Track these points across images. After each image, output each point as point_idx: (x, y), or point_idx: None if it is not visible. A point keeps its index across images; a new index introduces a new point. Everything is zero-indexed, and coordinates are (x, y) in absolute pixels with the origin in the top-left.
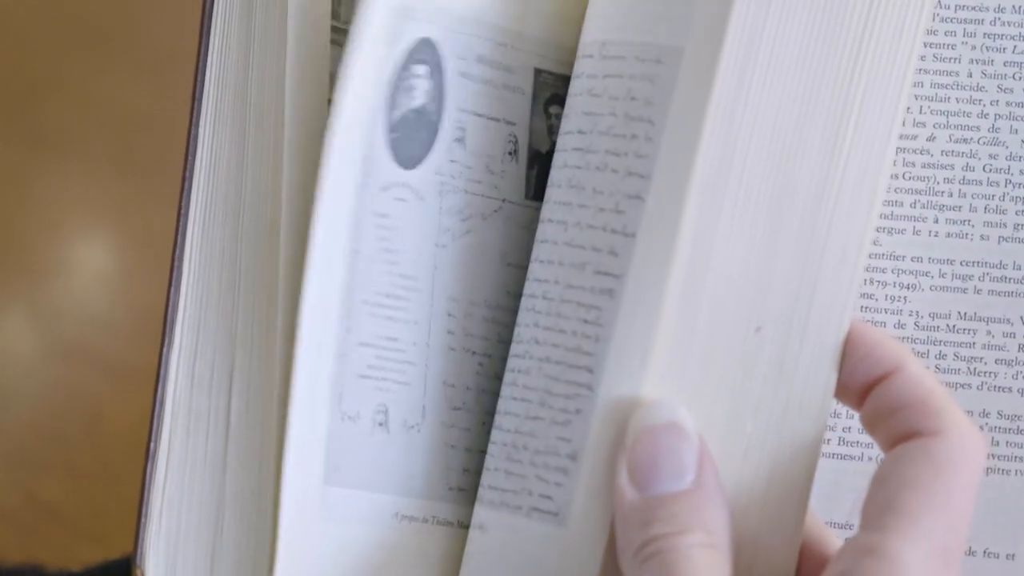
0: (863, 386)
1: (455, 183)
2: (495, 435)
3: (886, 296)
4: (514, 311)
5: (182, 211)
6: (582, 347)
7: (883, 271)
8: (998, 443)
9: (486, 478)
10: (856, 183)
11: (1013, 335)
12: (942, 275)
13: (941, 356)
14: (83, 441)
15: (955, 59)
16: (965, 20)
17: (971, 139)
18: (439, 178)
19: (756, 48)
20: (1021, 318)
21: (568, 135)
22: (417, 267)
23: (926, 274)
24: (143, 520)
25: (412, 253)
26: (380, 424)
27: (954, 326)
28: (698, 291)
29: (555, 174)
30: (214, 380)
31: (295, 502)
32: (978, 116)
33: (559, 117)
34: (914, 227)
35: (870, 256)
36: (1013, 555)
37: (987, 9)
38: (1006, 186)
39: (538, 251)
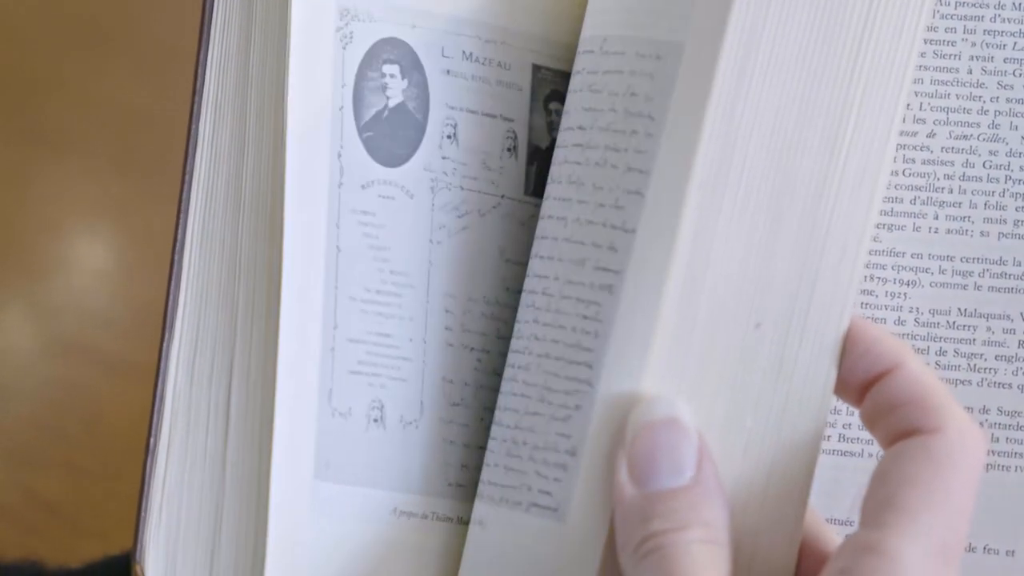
0: (863, 383)
1: (448, 180)
2: (494, 431)
3: (886, 292)
4: (513, 307)
5: (182, 207)
6: (582, 343)
7: (883, 267)
8: (998, 439)
9: (485, 474)
10: (856, 180)
11: (1013, 331)
12: (942, 271)
13: (941, 352)
14: (83, 438)
15: (955, 55)
16: (965, 17)
17: (971, 135)
18: (429, 175)
19: (756, 44)
20: (1021, 314)
21: (568, 131)
22: (410, 264)
23: (926, 270)
24: (143, 515)
25: (404, 250)
26: (375, 420)
27: (954, 322)
28: (698, 287)
29: (555, 170)
30: (214, 376)
31: (284, 498)
32: (978, 112)
33: (559, 113)
34: (914, 223)
35: (870, 252)
36: (1013, 551)
37: (987, 6)
38: (1006, 182)
39: (538, 247)
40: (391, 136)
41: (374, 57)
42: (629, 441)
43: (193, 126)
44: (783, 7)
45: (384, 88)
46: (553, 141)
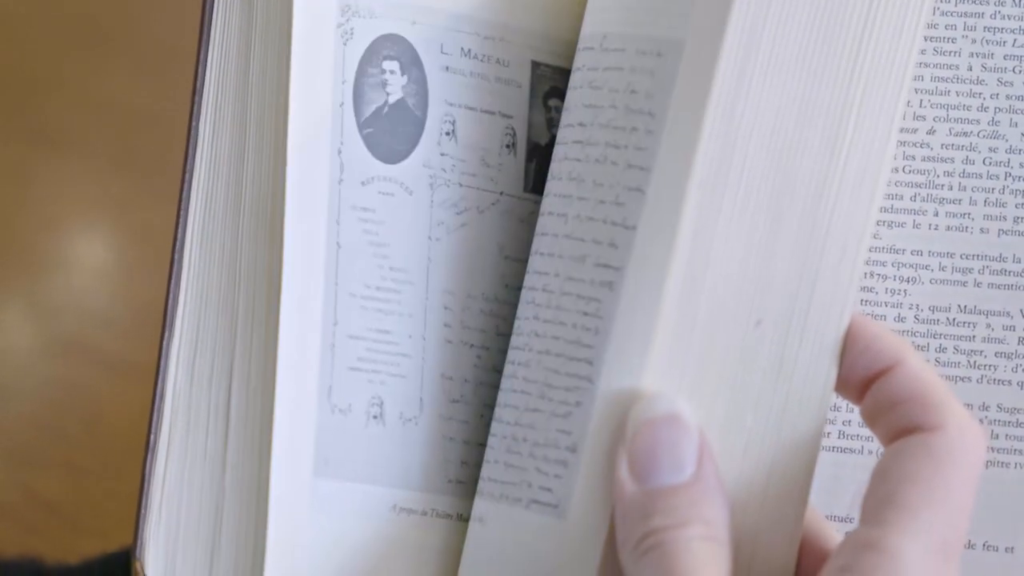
0: (863, 380)
1: (447, 176)
2: (495, 427)
3: (886, 289)
4: (512, 304)
5: (182, 204)
6: (582, 339)
7: (883, 264)
8: (997, 436)
9: (485, 470)
10: (856, 180)
11: (1013, 328)
12: (942, 268)
13: (941, 349)
14: (83, 437)
15: (955, 52)
16: (965, 14)
17: (971, 132)
18: (428, 171)
19: (757, 42)
20: (1021, 311)
21: (568, 128)
22: (409, 260)
23: (926, 267)
24: (143, 513)
25: (403, 246)
26: (375, 417)
27: (954, 319)
28: (698, 284)
29: (555, 167)
30: (214, 373)
31: (283, 495)
32: (978, 109)
33: (558, 110)
34: (914, 220)
35: (870, 249)
36: (1012, 548)
37: (987, 3)
38: (1006, 179)
39: (538, 244)
40: (391, 132)
41: (374, 53)
42: (630, 437)
43: (193, 123)
44: (784, 5)
45: (384, 84)
46: (552, 138)
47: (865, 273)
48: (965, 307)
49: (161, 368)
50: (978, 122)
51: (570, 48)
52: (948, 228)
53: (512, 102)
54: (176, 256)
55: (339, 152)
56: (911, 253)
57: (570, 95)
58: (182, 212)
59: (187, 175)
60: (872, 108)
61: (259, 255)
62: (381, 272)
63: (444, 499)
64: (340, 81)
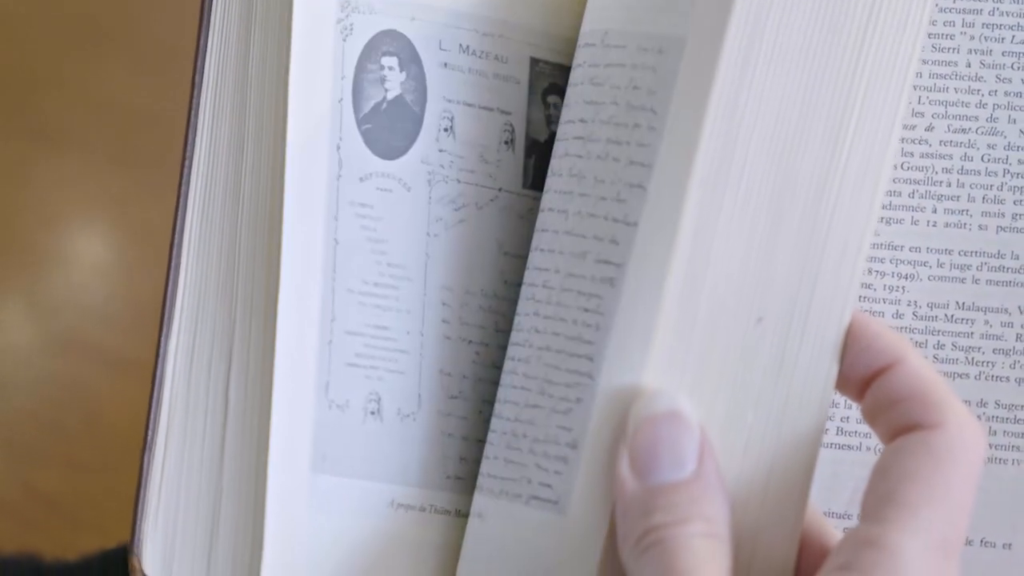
0: (863, 378)
1: (445, 172)
2: (494, 423)
3: (884, 286)
4: (512, 300)
5: (181, 199)
6: (583, 336)
7: (881, 261)
8: (995, 433)
9: (485, 466)
10: (858, 177)
11: (1011, 325)
12: (940, 265)
13: (939, 346)
14: (82, 434)
15: (954, 49)
16: (964, 10)
17: (969, 129)
18: (426, 167)
19: (759, 40)
20: (1019, 308)
21: (569, 124)
22: (407, 256)
23: (924, 264)
24: (140, 508)
25: (401, 242)
26: (372, 413)
27: (952, 316)
28: (699, 281)
29: (556, 163)
30: (212, 370)
31: (281, 490)
32: (976, 106)
33: (557, 107)
34: (912, 217)
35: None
36: (1010, 544)
37: None
38: (1004, 176)
39: (538, 240)
40: (389, 128)
41: (373, 49)
42: (630, 434)
43: (192, 118)
44: (786, 3)
45: (383, 80)
46: (551, 135)
47: (863, 270)
48: (963, 304)
49: (159, 365)
50: (976, 119)
51: (569, 45)
52: (946, 225)
53: (511, 98)
54: (174, 253)
55: (338, 148)
56: (909, 250)
57: (571, 92)
58: (180, 209)
59: (186, 171)
60: (874, 107)
61: (257, 251)
62: (379, 268)
63: (443, 495)
64: (339, 77)
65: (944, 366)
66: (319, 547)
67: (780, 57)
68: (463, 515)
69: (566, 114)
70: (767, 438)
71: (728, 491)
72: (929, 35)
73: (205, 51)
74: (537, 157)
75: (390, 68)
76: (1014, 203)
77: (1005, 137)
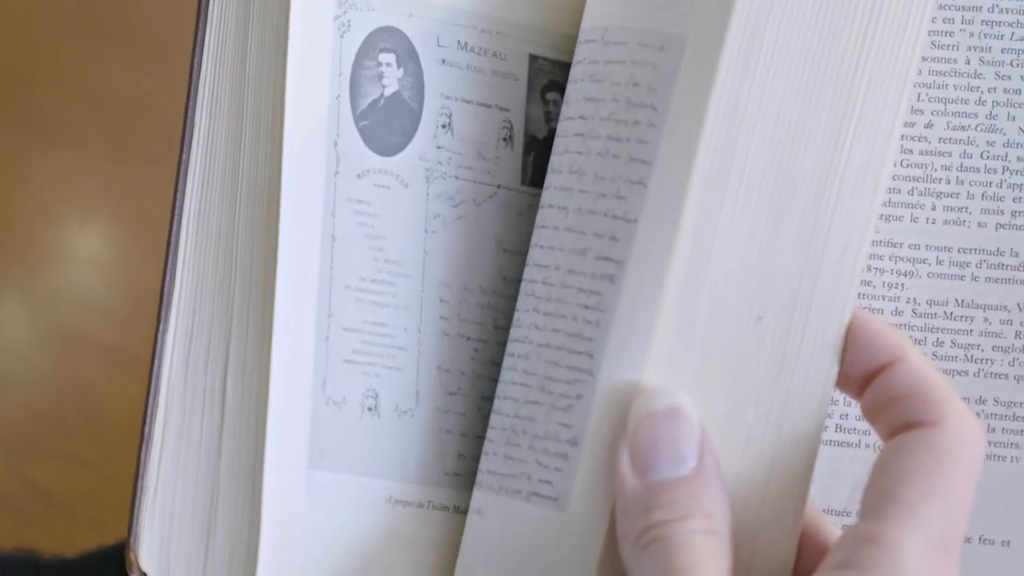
0: (864, 376)
1: (443, 169)
2: (494, 420)
3: (884, 283)
4: (511, 297)
5: (178, 195)
6: (583, 332)
7: (881, 258)
8: (994, 430)
9: (484, 463)
10: (859, 176)
11: (1010, 322)
12: (939, 262)
13: (938, 343)
14: (81, 428)
15: (953, 46)
16: (963, 7)
17: (969, 126)
18: (424, 164)
19: (760, 37)
20: (1018, 305)
21: (569, 121)
22: (405, 253)
23: (923, 261)
24: (137, 503)
25: (399, 239)
26: (370, 409)
27: (951, 313)
28: (699, 279)
29: (555, 160)
30: (209, 364)
31: (278, 486)
32: (976, 103)
33: (556, 103)
34: (912, 214)
35: None
36: (1008, 542)
37: None
38: (1003, 173)
39: (538, 236)
40: (387, 125)
41: (371, 46)
42: (631, 431)
43: (189, 113)
44: (787, 2)
45: (380, 77)
46: (550, 131)
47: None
48: (963, 301)
49: (156, 359)
50: (976, 116)
51: (569, 42)
52: (946, 222)
53: (509, 95)
54: (171, 249)
55: (335, 144)
56: (909, 247)
57: (570, 88)
58: (178, 203)
59: (183, 166)
60: (875, 105)
61: (255, 247)
62: (376, 265)
63: (441, 491)
64: (336, 73)
65: (943, 363)
66: (316, 543)
67: (781, 55)
68: (462, 512)
69: (566, 111)
70: (767, 436)
71: (728, 488)
72: (929, 32)
73: (202, 47)
74: (536, 154)
75: (388, 65)
76: (1013, 200)
77: (1004, 134)
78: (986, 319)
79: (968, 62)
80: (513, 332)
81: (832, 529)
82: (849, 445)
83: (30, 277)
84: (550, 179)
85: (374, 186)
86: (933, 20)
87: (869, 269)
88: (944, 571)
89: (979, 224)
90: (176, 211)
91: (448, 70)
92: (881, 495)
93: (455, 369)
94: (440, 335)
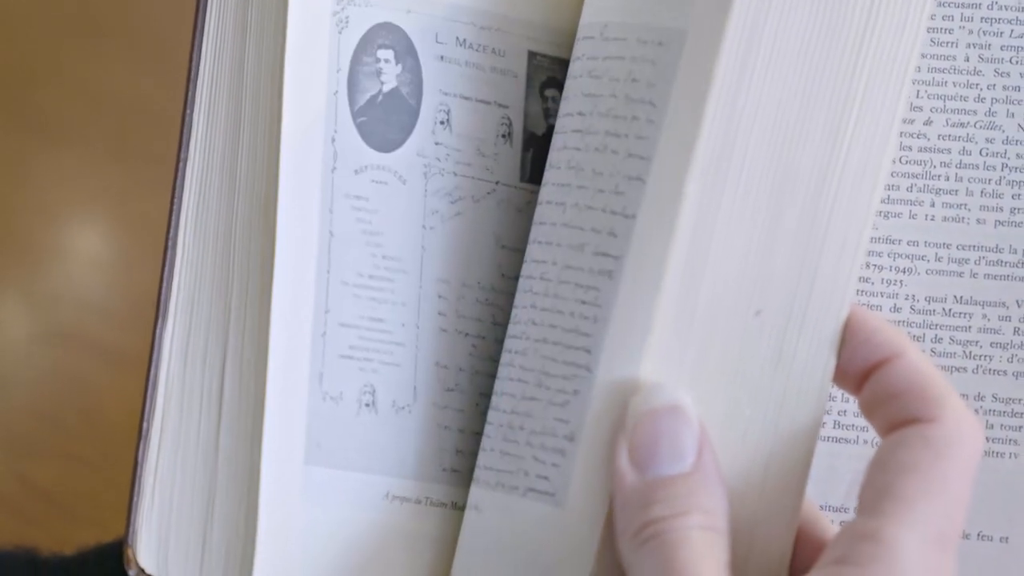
0: (862, 371)
1: (441, 165)
2: (491, 416)
3: (882, 280)
4: (509, 294)
5: (176, 193)
6: (580, 328)
7: (879, 255)
8: (992, 426)
9: (482, 459)
10: (858, 171)
11: (1009, 319)
12: (938, 259)
13: (937, 340)
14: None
15: (952, 43)
16: (962, 4)
17: (968, 123)
18: (422, 160)
19: (759, 33)
20: (1017, 302)
21: (567, 117)
22: (403, 249)
23: (922, 258)
24: (135, 500)
25: (396, 235)
26: (367, 405)
27: (950, 310)
28: (698, 274)
29: (554, 155)
30: (207, 361)
31: (275, 482)
32: (975, 100)
33: (555, 100)
34: (911, 211)
35: None
36: (1007, 538)
37: None
38: (1003, 170)
39: (536, 232)
40: (385, 121)
41: (369, 42)
42: (630, 427)
43: (188, 112)
44: None
45: (379, 73)
46: (549, 128)
47: (862, 264)
48: (961, 298)
49: (154, 356)
50: (975, 113)
51: (568, 38)
52: (944, 219)
53: (508, 92)
54: (170, 244)
55: (332, 140)
56: (907, 243)
57: (569, 84)
58: (176, 200)
59: (181, 163)
60: (874, 101)
61: (252, 243)
62: (374, 260)
63: (439, 487)
64: (335, 69)
65: (942, 360)
66: (313, 539)
67: (780, 52)
68: (459, 508)
69: (564, 107)
70: (765, 431)
71: (726, 484)
72: (928, 29)
73: (201, 44)
74: (535, 151)
75: (386, 61)
76: (1012, 197)
77: (1003, 131)
78: (985, 315)
79: (967, 59)
80: (510, 328)
81: (829, 525)
82: (847, 441)
83: (30, 277)
84: (548, 175)
85: (372, 182)
86: (932, 17)
87: (868, 265)
88: (941, 567)
89: (978, 221)
90: (174, 208)
91: (447, 66)
92: (878, 491)
93: (453, 365)
94: (438, 331)
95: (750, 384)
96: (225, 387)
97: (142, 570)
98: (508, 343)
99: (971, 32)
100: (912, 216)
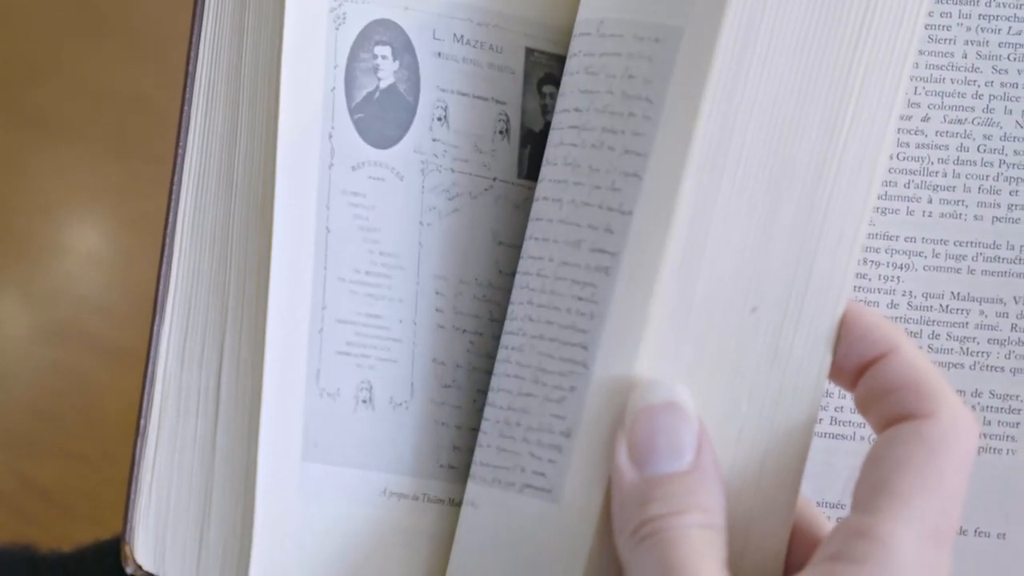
0: (857, 367)
1: (439, 162)
2: (488, 412)
3: (879, 276)
4: (506, 290)
5: (174, 189)
6: (577, 324)
7: (877, 251)
8: (990, 423)
9: (478, 455)
10: (854, 167)
11: (1006, 315)
12: (935, 255)
13: (934, 336)
14: (78, 425)
15: (950, 40)
16: (960, 1)
17: (965, 120)
18: (419, 157)
19: (756, 29)
20: (1014, 298)
21: (564, 113)
22: (400, 245)
23: (919, 254)
24: (132, 497)
25: (394, 231)
26: (364, 401)
27: (947, 306)
28: (694, 270)
29: (551, 152)
30: (204, 357)
31: (271, 478)
32: (972, 97)
33: (553, 96)
34: (908, 207)
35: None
36: (1004, 534)
37: None
38: (1000, 166)
39: (533, 229)
40: (382, 118)
41: (366, 38)
42: (629, 424)
43: (186, 108)
44: None
45: (376, 70)
46: (547, 124)
47: (859, 260)
48: (958, 294)
49: (152, 352)
50: (972, 109)
51: (565, 35)
52: (942, 215)
53: (505, 88)
54: (167, 240)
55: (330, 137)
56: (905, 240)
57: (566, 81)
58: (173, 196)
59: (179, 159)
60: (871, 97)
61: (249, 240)
62: (371, 257)
63: (436, 484)
64: (332, 66)
65: (939, 356)
66: (310, 535)
67: (778, 46)
68: (457, 504)
69: (561, 103)
70: (761, 427)
71: (723, 480)
72: (925, 26)
73: (198, 41)
74: (532, 147)
75: (383, 57)
76: (1009, 193)
77: (1001, 128)
78: (982, 312)
79: (965, 56)
80: (507, 324)
81: (825, 522)
82: (844, 438)
83: (29, 274)
84: (545, 171)
85: (369, 178)
86: (930, 14)
87: (865, 262)
88: (936, 563)
89: (975, 217)
90: (172, 204)
91: (444, 63)
92: (874, 487)
93: (450, 361)
94: (435, 327)
95: (746, 380)
96: (222, 384)
97: (139, 567)
98: (505, 339)
99: (969, 29)
100: (910, 212)
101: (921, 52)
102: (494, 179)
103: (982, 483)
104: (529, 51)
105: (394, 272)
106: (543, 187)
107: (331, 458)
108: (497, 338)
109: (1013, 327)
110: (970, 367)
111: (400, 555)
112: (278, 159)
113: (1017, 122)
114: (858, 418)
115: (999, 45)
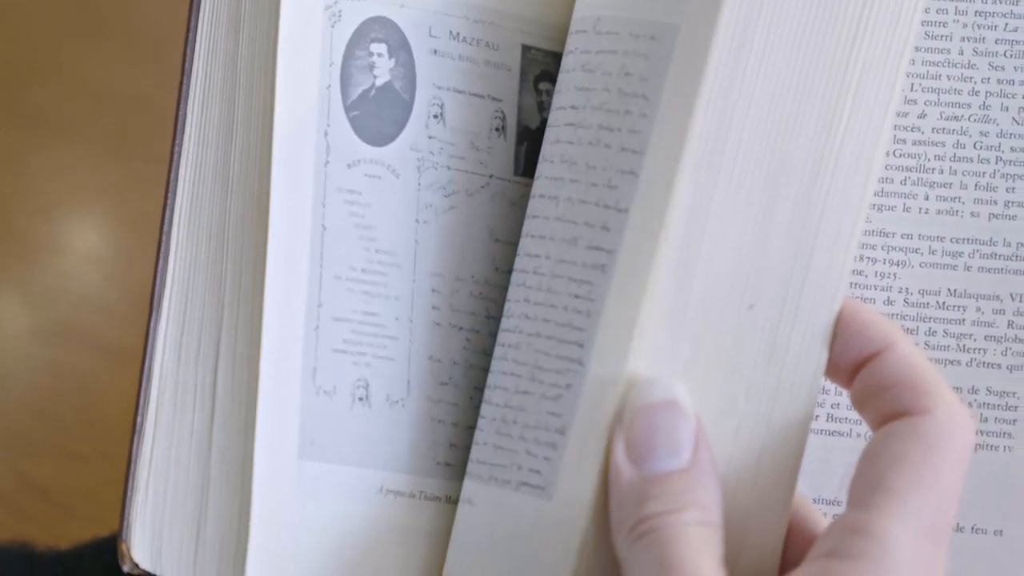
0: (853, 364)
1: (435, 159)
2: (484, 409)
3: (876, 273)
4: (503, 287)
5: (170, 187)
6: (573, 322)
7: (873, 248)
8: (987, 419)
9: (475, 452)
10: (851, 164)
11: (1002, 312)
12: (932, 252)
13: (931, 333)
14: (77, 423)
15: (946, 36)
16: None
17: (962, 116)
18: (416, 154)
19: (752, 26)
20: (1011, 295)
21: (560, 110)
22: (396, 243)
23: (916, 251)
24: (129, 495)
25: (390, 229)
26: (360, 399)
27: (944, 303)
28: (691, 267)
29: (547, 149)
30: (201, 355)
31: (268, 476)
32: (969, 93)
33: (549, 94)
34: (904, 204)
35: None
36: (1001, 531)
37: None
38: (996, 163)
39: (529, 226)
40: (377, 115)
41: (362, 36)
42: (627, 422)
43: (182, 105)
44: None
45: (371, 67)
46: (543, 122)
47: (855, 256)
48: (955, 291)
49: (148, 350)
50: (969, 106)
51: (561, 32)
52: (938, 212)
53: (502, 86)
54: (163, 238)
55: (325, 134)
56: (901, 236)
57: (562, 78)
58: (170, 194)
59: (175, 157)
60: (868, 94)
61: (245, 237)
62: (367, 255)
63: (433, 481)
64: (327, 63)
65: (935, 353)
66: (307, 533)
67: (774, 45)
68: (453, 501)
69: (557, 101)
70: (757, 424)
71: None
72: (922, 23)
73: (195, 39)
74: (529, 144)
75: (379, 55)
76: (1006, 190)
77: (997, 125)
78: (978, 309)
79: (962, 52)
80: (504, 322)
81: (821, 518)
82: (840, 435)
83: (28, 273)
84: (541, 169)
85: (365, 176)
86: (926, 11)
87: (861, 259)
88: (933, 560)
89: (972, 214)
90: (168, 202)
91: (440, 60)
92: (870, 484)
93: (447, 359)
94: (432, 325)
95: (743, 377)
96: (218, 382)
97: (136, 564)
98: (501, 337)
99: (965, 26)
100: (906, 209)
101: (918, 49)
102: (490, 176)
103: (979, 480)
104: (525, 48)
105: (390, 270)
106: (540, 184)
107: (328, 456)
108: (493, 335)
109: (1010, 324)
110: (966, 364)
111: (397, 553)
112: (274, 156)
113: (1013, 118)
114: (854, 415)
115: (995, 42)
